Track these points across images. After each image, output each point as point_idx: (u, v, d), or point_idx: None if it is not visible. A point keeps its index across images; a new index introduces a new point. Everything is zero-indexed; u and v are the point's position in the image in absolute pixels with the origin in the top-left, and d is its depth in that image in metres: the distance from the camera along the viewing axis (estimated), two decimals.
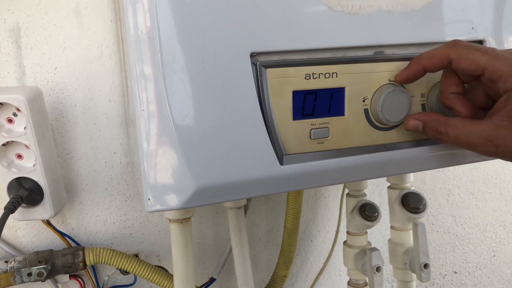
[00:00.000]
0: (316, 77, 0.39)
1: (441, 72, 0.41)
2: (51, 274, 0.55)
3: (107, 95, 0.59)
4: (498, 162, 0.86)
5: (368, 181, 0.71)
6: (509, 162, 0.86)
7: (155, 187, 0.37)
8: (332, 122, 0.41)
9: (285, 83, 0.39)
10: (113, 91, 0.59)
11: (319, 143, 0.41)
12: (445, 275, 0.88)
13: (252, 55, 0.37)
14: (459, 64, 0.37)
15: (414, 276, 0.62)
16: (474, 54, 0.36)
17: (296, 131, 0.40)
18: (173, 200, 0.37)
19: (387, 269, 0.80)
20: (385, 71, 0.41)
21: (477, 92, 0.40)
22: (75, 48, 0.57)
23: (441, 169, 0.83)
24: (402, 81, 0.41)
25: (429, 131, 0.40)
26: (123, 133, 0.61)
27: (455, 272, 0.89)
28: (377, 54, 0.41)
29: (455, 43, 0.38)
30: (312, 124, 0.40)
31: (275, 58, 0.38)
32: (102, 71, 0.58)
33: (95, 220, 0.62)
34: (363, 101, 0.41)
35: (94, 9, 0.56)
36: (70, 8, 0.56)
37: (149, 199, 0.37)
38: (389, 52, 0.42)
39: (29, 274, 0.53)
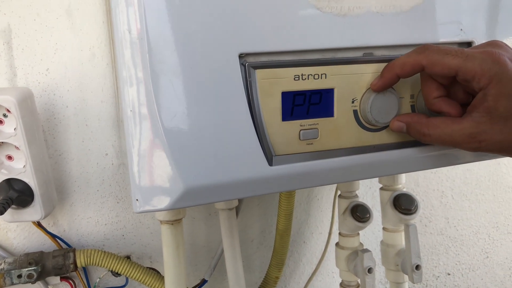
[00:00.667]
0: (305, 78, 0.39)
1: None
2: (42, 276, 0.55)
3: (99, 97, 0.59)
4: (491, 164, 0.86)
5: (361, 182, 0.71)
6: (501, 163, 0.86)
7: (143, 187, 0.37)
8: (322, 123, 0.41)
9: (274, 84, 0.39)
10: (105, 92, 0.59)
11: (308, 144, 0.41)
12: (438, 276, 0.88)
13: (241, 56, 0.37)
14: (431, 69, 0.38)
15: (406, 277, 0.62)
16: (445, 58, 0.37)
17: (285, 132, 0.40)
18: (162, 201, 0.37)
19: (380, 270, 0.80)
20: (374, 72, 0.41)
21: (457, 90, 0.40)
22: (67, 49, 0.57)
23: (434, 170, 0.83)
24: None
25: (413, 133, 0.41)
26: (115, 135, 0.61)
27: (448, 274, 0.89)
28: (366, 56, 0.41)
29: (425, 49, 0.38)
30: (301, 125, 0.40)
31: (264, 59, 0.38)
32: (94, 73, 0.58)
33: (87, 221, 0.62)
34: (352, 102, 0.41)
35: (86, 10, 0.56)
36: (62, 9, 0.56)
37: (137, 199, 0.37)
38: (378, 53, 0.42)
39: (19, 276, 0.53)
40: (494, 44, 0.38)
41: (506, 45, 0.38)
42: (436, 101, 0.40)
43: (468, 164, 0.83)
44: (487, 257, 0.91)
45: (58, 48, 0.56)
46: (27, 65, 0.56)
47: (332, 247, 0.73)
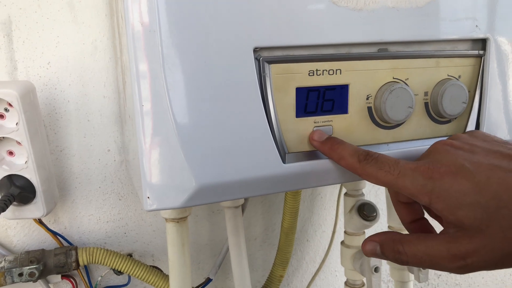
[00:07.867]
0: (320, 74, 0.39)
1: (439, 70, 0.42)
2: (43, 274, 0.54)
3: (101, 91, 0.58)
4: None
5: None
6: None
7: (154, 185, 0.35)
8: (336, 120, 0.40)
9: (288, 80, 0.38)
10: (107, 87, 0.58)
11: None
12: (440, 275, 0.88)
13: (256, 50, 0.36)
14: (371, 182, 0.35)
15: (411, 276, 0.61)
16: (378, 173, 0.34)
17: (299, 129, 0.39)
18: (173, 199, 0.36)
19: (383, 269, 0.80)
20: (389, 68, 0.41)
21: None
22: (69, 43, 0.55)
23: None
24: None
25: (387, 252, 0.35)
26: (117, 131, 0.59)
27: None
28: (381, 51, 0.41)
29: (365, 157, 0.35)
30: (315, 122, 0.39)
31: (278, 53, 0.37)
32: (96, 67, 0.57)
33: (88, 219, 0.61)
34: (367, 98, 0.41)
35: (88, 3, 0.55)
36: (63, 2, 0.54)
37: (148, 197, 0.36)
38: (393, 49, 0.41)
39: (20, 274, 0.52)
40: (435, 151, 0.35)
41: (451, 144, 0.35)
42: (412, 226, 0.39)
43: None
44: None
45: (59, 41, 0.55)
46: (28, 58, 0.54)
47: (335, 246, 0.72)
